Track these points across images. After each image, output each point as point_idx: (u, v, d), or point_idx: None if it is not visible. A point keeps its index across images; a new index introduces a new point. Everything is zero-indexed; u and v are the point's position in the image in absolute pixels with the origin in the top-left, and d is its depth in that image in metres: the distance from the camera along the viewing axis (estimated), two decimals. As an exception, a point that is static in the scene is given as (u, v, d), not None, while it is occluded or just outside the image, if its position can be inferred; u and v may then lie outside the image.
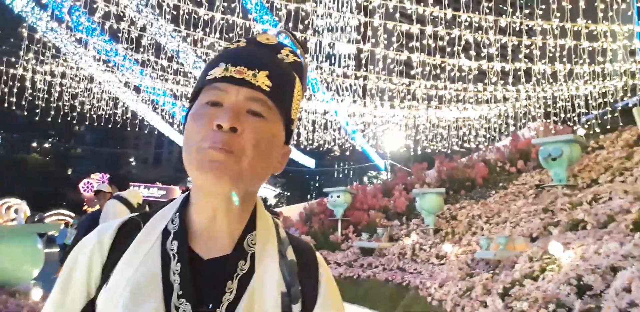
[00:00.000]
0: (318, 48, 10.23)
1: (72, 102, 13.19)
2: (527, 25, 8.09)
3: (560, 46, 8.26)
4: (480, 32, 8.32)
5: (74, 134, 45.52)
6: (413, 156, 16.72)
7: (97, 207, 5.20)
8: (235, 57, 0.71)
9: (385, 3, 7.93)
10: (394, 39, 8.71)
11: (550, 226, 4.44)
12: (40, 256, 6.25)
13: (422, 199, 6.75)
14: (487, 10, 8.03)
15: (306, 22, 9.20)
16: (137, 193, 4.47)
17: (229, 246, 0.71)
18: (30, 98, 12.59)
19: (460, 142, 14.66)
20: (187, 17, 8.91)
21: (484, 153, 10.15)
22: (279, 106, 0.70)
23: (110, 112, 14.21)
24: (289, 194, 43.85)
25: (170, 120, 15.52)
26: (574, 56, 8.52)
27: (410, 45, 8.76)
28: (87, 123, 14.98)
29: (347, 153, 16.02)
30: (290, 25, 8.55)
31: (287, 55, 0.74)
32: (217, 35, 8.97)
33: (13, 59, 12.07)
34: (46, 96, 12.64)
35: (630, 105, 9.06)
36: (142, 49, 10.72)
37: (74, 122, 14.73)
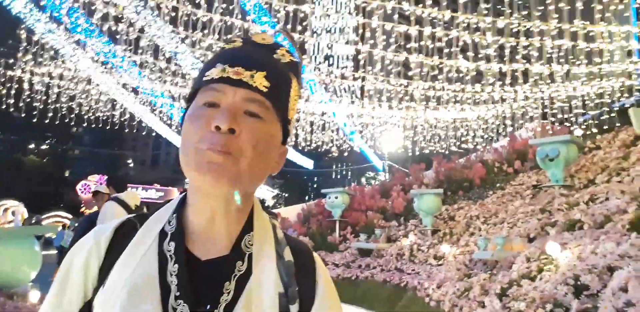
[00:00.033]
0: (316, 49, 10.25)
1: (70, 103, 13.19)
2: (524, 26, 8.12)
3: (558, 47, 8.30)
4: (478, 33, 8.36)
5: (71, 135, 45.40)
6: (411, 156, 16.76)
7: (95, 208, 5.19)
8: (232, 57, 0.70)
9: (384, 4, 7.95)
10: (392, 40, 8.74)
11: (547, 226, 4.45)
12: (38, 258, 6.23)
13: (420, 199, 6.76)
14: (485, 12, 8.07)
15: (304, 23, 9.21)
16: (134, 195, 4.45)
17: (227, 246, 0.71)
18: (29, 100, 12.58)
19: (458, 143, 14.70)
20: (186, 18, 8.93)
21: (482, 154, 10.17)
22: (276, 107, 0.70)
23: (108, 113, 14.22)
24: (287, 195, 43.82)
25: (169, 122, 15.52)
26: (571, 57, 8.56)
27: (408, 46, 8.78)
28: (85, 125, 14.95)
29: (345, 154, 16.05)
30: (289, 26, 8.56)
31: (283, 55, 0.74)
32: (216, 36, 8.98)
33: (11, 61, 12.07)
34: (44, 98, 12.64)
35: (627, 105, 9.10)
36: (140, 51, 10.73)
37: (72, 123, 14.71)
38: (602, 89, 9.99)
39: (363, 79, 11.57)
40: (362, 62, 10.09)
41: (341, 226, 8.54)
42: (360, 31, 9.83)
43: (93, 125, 14.81)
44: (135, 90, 13.46)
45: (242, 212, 0.73)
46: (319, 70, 11.19)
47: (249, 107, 0.68)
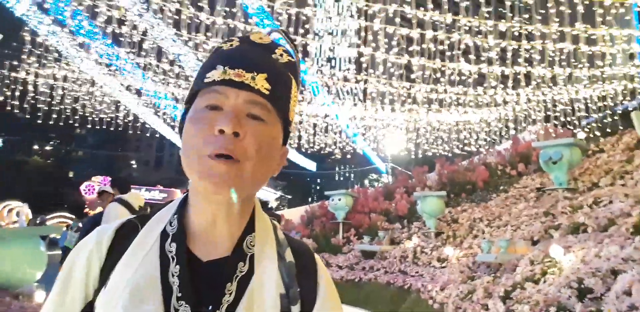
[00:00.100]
0: (319, 52, 10.28)
1: (73, 105, 13.27)
2: (526, 29, 8.14)
3: (560, 50, 8.31)
4: (479, 36, 8.37)
5: (75, 136, 45.55)
6: (414, 159, 16.75)
7: (99, 209, 5.21)
8: (232, 59, 0.70)
9: (386, 7, 7.98)
10: (394, 43, 8.76)
11: (551, 229, 4.45)
12: (43, 258, 6.27)
13: (423, 202, 6.76)
14: (487, 15, 8.08)
15: (307, 26, 9.25)
16: (138, 196, 4.47)
17: (228, 247, 0.71)
18: (33, 101, 12.67)
19: (461, 146, 14.69)
20: (189, 21, 8.98)
21: (485, 156, 10.15)
22: (277, 109, 0.70)
23: (112, 115, 14.29)
24: (290, 197, 43.84)
25: (172, 124, 15.58)
26: (573, 60, 8.57)
27: (410, 49, 8.80)
28: (88, 126, 15.03)
29: (348, 156, 16.08)
30: (291, 29, 8.60)
31: (281, 55, 0.74)
32: (219, 39, 9.02)
33: (15, 63, 12.15)
34: (48, 99, 12.71)
35: (630, 108, 9.09)
36: (143, 53, 10.79)
37: (76, 125, 14.79)
38: (604, 92, 9.99)
39: (365, 81, 11.59)
40: (364, 65, 10.11)
41: (345, 228, 8.55)
42: (363, 34, 9.86)
43: (97, 127, 14.89)
44: (138, 92, 13.53)
45: (244, 213, 0.73)
46: (322, 72, 11.21)
47: (251, 110, 0.67)
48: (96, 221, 4.27)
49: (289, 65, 0.74)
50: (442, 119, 13.52)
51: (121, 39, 10.16)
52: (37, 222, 16.23)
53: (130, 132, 16.17)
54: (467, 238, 6.00)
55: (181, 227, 0.71)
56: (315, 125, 14.26)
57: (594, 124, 9.23)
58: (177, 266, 0.67)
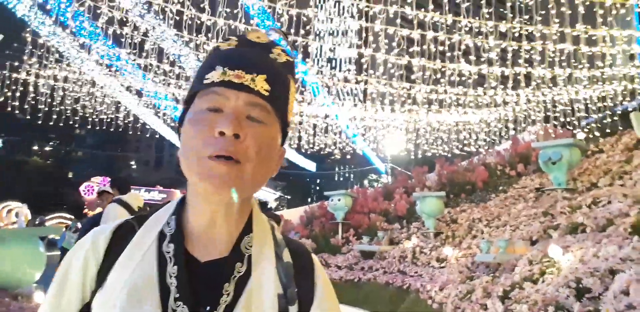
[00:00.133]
0: (319, 52, 10.31)
1: (74, 106, 13.29)
2: (526, 30, 8.16)
3: (560, 51, 8.32)
4: (480, 37, 8.39)
5: (74, 137, 45.59)
6: (413, 159, 16.77)
7: (98, 210, 5.21)
8: (231, 59, 0.69)
9: (386, 8, 8.00)
10: (394, 43, 8.78)
11: (549, 229, 4.46)
12: (42, 259, 6.28)
13: (422, 202, 6.77)
14: (487, 16, 8.10)
15: (308, 27, 9.27)
16: (137, 196, 4.45)
17: (226, 248, 0.71)
18: (33, 102, 12.69)
19: (460, 146, 14.71)
20: (190, 22, 9.01)
21: (484, 157, 10.17)
22: (276, 110, 0.70)
23: (112, 115, 14.31)
24: (289, 197, 43.86)
25: (172, 124, 15.60)
26: (573, 61, 8.58)
27: (410, 50, 8.82)
28: (88, 127, 15.06)
29: (348, 156, 16.09)
30: (292, 30, 8.63)
31: (279, 54, 0.74)
32: (220, 40, 9.04)
33: (16, 64, 12.18)
34: (49, 100, 12.74)
35: (629, 109, 9.11)
36: (144, 54, 10.82)
37: (76, 125, 14.81)
38: (604, 93, 10.01)
39: (366, 82, 11.62)
40: (364, 66, 10.13)
41: (344, 228, 8.56)
42: (363, 35, 9.88)
43: (97, 128, 14.91)
44: (139, 93, 13.56)
45: (242, 214, 0.73)
46: (322, 73, 11.24)
47: (251, 112, 0.68)
48: (95, 221, 4.27)
49: (287, 65, 0.74)
50: (442, 120, 13.54)
51: (122, 39, 10.19)
52: (37, 222, 16.23)
53: (130, 132, 16.18)
54: (466, 238, 6.01)
55: (179, 227, 0.71)
56: (315, 125, 14.28)
57: (593, 125, 9.24)
58: (175, 267, 0.67)
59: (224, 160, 0.64)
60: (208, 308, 0.65)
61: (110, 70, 12.11)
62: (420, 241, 6.50)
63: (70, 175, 43.36)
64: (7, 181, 31.34)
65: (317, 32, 10.18)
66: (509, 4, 8.20)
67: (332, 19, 9.76)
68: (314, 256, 0.79)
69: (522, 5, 8.51)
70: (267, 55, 0.73)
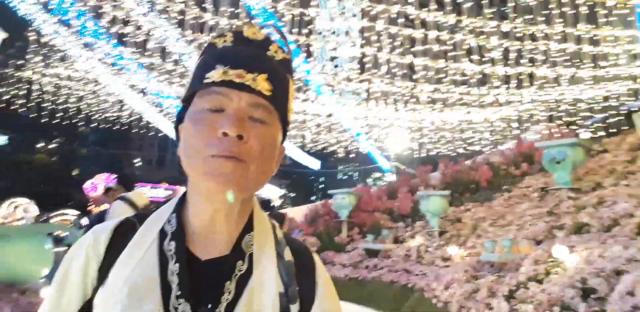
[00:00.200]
0: (322, 52, 10.31)
1: (78, 104, 13.35)
2: (529, 30, 8.14)
3: (563, 50, 8.31)
4: (483, 36, 8.39)
5: (78, 135, 45.72)
6: (417, 158, 16.77)
7: (104, 206, 5.23)
8: (231, 58, 0.69)
9: (389, 8, 8.00)
10: (397, 43, 8.78)
11: (554, 229, 4.48)
12: (49, 254, 6.35)
13: (426, 201, 6.77)
14: (490, 16, 8.10)
15: (310, 26, 9.29)
16: (142, 194, 4.43)
17: (227, 246, 0.71)
18: (38, 100, 12.75)
19: (464, 145, 14.70)
20: (193, 21, 9.03)
21: (488, 156, 10.16)
22: (278, 110, 0.70)
23: (116, 114, 14.36)
24: (293, 195, 43.91)
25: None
26: (576, 60, 8.57)
27: (413, 49, 8.83)
28: (93, 125, 15.12)
29: (352, 155, 16.09)
30: (295, 29, 8.64)
31: (276, 51, 0.73)
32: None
33: (21, 62, 12.23)
34: (53, 98, 12.79)
35: (634, 109, 9.08)
36: (148, 53, 10.84)
37: (80, 123, 14.87)
38: (608, 92, 9.98)
39: (369, 81, 11.62)
40: (368, 65, 10.15)
41: (348, 227, 8.58)
42: (366, 34, 9.88)
43: (101, 126, 14.97)
44: (142, 92, 13.59)
45: (243, 213, 0.73)
46: (325, 72, 11.25)
47: (254, 113, 0.67)
48: (101, 218, 4.28)
49: (284, 63, 0.74)
50: (446, 119, 13.52)
51: (125, 38, 10.21)
52: (42, 219, 16.30)
53: (134, 131, 16.23)
54: (471, 237, 6.02)
55: (180, 225, 0.71)
56: (319, 124, 14.30)
57: (597, 124, 9.22)
58: (176, 265, 0.67)
59: (228, 159, 0.64)
60: (209, 306, 0.66)
61: (113, 69, 12.15)
62: (425, 240, 6.51)
63: (74, 172, 43.53)
64: (13, 178, 31.51)
65: (320, 32, 10.16)
66: (511, 4, 8.16)
67: (334, 19, 9.74)
68: (315, 255, 0.80)
69: (524, 3, 8.49)
70: (264, 52, 0.72)
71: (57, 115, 13.56)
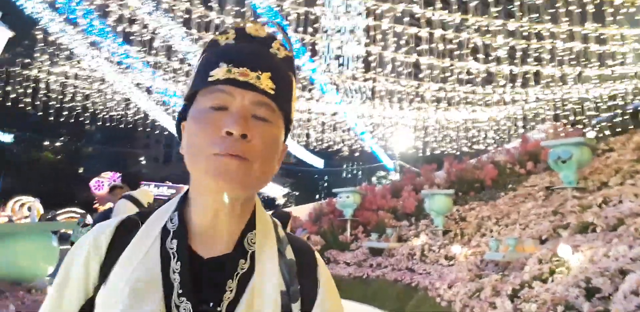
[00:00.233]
0: (327, 50, 10.32)
1: (84, 102, 13.45)
2: (535, 28, 8.10)
3: (569, 49, 8.27)
4: (488, 35, 8.36)
5: (85, 133, 46.01)
6: (422, 156, 16.74)
7: (109, 205, 5.26)
8: (234, 56, 0.68)
9: (395, 7, 7.99)
10: (402, 41, 8.78)
11: (559, 228, 4.47)
12: (55, 252, 6.40)
13: (431, 200, 6.78)
14: (496, 14, 8.07)
15: (315, 25, 9.29)
16: (147, 192, 4.45)
17: (229, 245, 0.70)
18: (45, 98, 12.85)
19: (469, 144, 14.67)
20: (199, 20, 9.06)
21: (493, 154, 10.13)
22: (281, 108, 0.70)
23: (122, 112, 14.45)
24: (297, 193, 43.94)
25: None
26: (583, 59, 8.52)
27: (419, 48, 8.81)
28: (99, 123, 15.23)
29: (356, 154, 16.10)
30: (300, 28, 8.65)
31: (278, 49, 0.73)
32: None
33: (28, 61, 12.33)
34: (59, 97, 12.89)
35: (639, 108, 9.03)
36: (154, 51, 10.90)
37: (86, 122, 14.97)
38: (614, 91, 9.92)
39: (374, 79, 11.62)
40: (373, 64, 10.15)
41: (352, 225, 8.60)
42: (371, 33, 9.87)
43: (108, 124, 15.07)
44: (148, 90, 13.66)
45: (245, 211, 0.73)
46: (330, 71, 11.25)
47: (257, 111, 0.67)
48: (106, 216, 4.32)
49: (287, 60, 0.74)
50: (451, 118, 13.49)
51: (132, 37, 10.27)
52: (48, 217, 16.44)
53: (139, 129, 16.31)
54: (475, 236, 6.02)
55: (182, 224, 0.71)
56: (323, 123, 14.32)
57: (603, 123, 9.17)
58: (178, 263, 0.67)
59: (233, 157, 0.64)
60: (211, 305, 0.65)
61: (120, 68, 12.22)
62: (429, 239, 6.52)
63: (80, 170, 43.82)
64: (19, 176, 31.78)
65: (325, 30, 10.17)
66: (517, 3, 8.13)
67: (339, 17, 9.74)
68: (317, 253, 0.79)
69: (530, 1, 8.44)
70: (267, 50, 0.72)
71: (63, 113, 13.65)
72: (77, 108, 13.61)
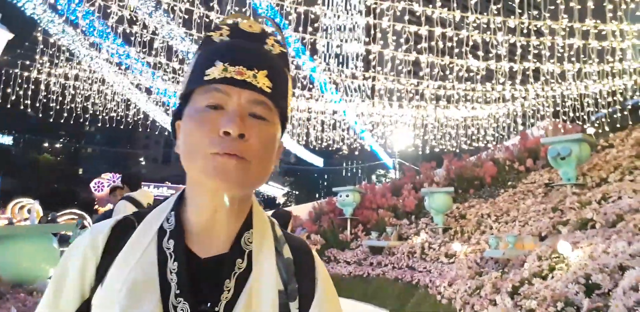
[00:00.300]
0: (327, 49, 10.32)
1: (84, 103, 13.45)
2: (535, 25, 8.10)
3: (569, 46, 8.27)
4: (488, 32, 8.35)
5: (85, 134, 46.04)
6: (421, 155, 16.73)
7: (109, 206, 5.26)
8: (230, 54, 0.68)
9: (395, 5, 7.99)
10: (402, 40, 8.77)
11: (559, 225, 4.48)
12: (55, 254, 6.41)
13: (430, 198, 6.79)
14: (496, 11, 8.07)
15: (316, 24, 9.29)
16: (147, 193, 4.44)
17: (226, 244, 0.70)
18: (45, 100, 12.85)
19: (469, 141, 14.66)
20: (199, 20, 9.06)
21: (493, 152, 10.14)
22: (278, 106, 0.70)
23: (122, 113, 14.44)
24: (297, 192, 43.93)
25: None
26: (582, 56, 8.52)
27: (418, 46, 8.81)
28: (99, 124, 15.22)
29: (356, 152, 16.09)
30: (300, 28, 8.65)
31: (272, 45, 0.73)
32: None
33: (28, 62, 12.34)
34: (59, 98, 12.89)
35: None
36: (154, 52, 10.90)
37: (86, 123, 14.97)
38: (614, 87, 9.92)
39: (374, 78, 11.61)
40: (372, 62, 10.15)
41: (352, 224, 8.62)
42: (371, 31, 9.87)
43: (107, 125, 15.07)
44: (148, 91, 13.67)
45: (242, 210, 0.73)
46: (330, 69, 11.26)
47: (254, 110, 0.67)
48: (106, 218, 4.31)
49: (282, 57, 0.73)
50: (450, 115, 13.50)
51: (132, 38, 10.27)
52: (48, 219, 16.45)
53: (139, 130, 16.31)
54: (475, 234, 6.04)
55: (179, 223, 0.70)
56: (323, 121, 14.32)
57: (603, 120, 9.18)
58: (175, 263, 0.67)
59: (231, 156, 0.64)
60: (209, 304, 0.65)
61: (120, 69, 12.22)
62: (429, 237, 6.53)
63: (80, 171, 43.84)
64: (19, 178, 31.81)
65: (325, 29, 10.17)
66: (517, 0, 8.13)
67: (339, 16, 9.73)
68: (314, 252, 0.79)
69: (530, 0, 8.44)
70: (262, 47, 0.72)
71: (63, 115, 13.65)
72: (77, 109, 13.61)
